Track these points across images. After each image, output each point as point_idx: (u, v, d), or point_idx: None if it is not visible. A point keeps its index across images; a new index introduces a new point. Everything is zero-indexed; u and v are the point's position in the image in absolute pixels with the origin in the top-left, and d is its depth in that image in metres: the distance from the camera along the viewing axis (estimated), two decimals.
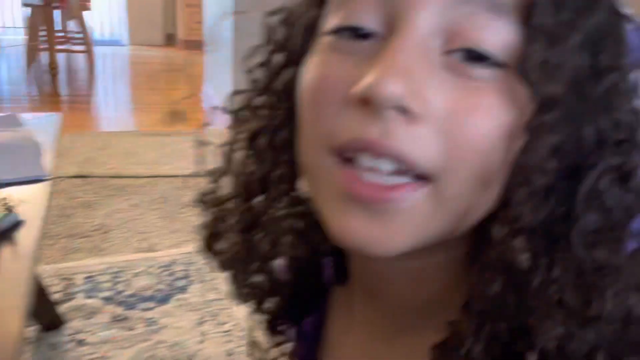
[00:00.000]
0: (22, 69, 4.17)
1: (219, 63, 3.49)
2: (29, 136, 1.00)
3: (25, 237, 0.74)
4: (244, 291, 0.42)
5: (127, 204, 2.18)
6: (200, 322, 1.43)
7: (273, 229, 0.38)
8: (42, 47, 4.15)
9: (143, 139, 3.00)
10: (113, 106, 3.98)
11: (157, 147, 2.88)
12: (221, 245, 0.40)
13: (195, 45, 5.72)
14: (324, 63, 0.31)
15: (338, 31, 0.31)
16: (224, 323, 1.43)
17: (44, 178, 0.89)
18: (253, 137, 0.37)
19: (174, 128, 3.29)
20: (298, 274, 0.42)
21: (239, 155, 0.39)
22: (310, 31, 0.34)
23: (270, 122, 0.37)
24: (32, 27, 3.84)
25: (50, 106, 3.42)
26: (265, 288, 0.41)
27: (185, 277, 1.63)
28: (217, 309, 1.49)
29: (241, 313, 1.46)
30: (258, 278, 0.40)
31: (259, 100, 0.38)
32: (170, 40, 6.09)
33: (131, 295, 1.52)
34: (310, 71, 0.32)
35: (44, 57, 4.11)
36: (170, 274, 1.64)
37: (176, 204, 2.19)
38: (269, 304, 0.43)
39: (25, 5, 3.91)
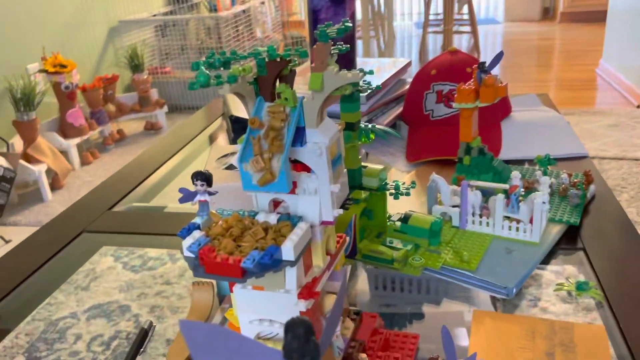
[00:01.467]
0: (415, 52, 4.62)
1: (625, 36, 3.18)
2: (555, 115, 1.08)
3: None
4: None
5: None
6: None
7: None
8: (433, 30, 4.52)
9: None
10: None
11: None
12: None
13: (576, 17, 5.39)
14: None
15: None
16: None
17: (585, 155, 0.94)
18: None
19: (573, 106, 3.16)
20: None
21: None
22: None
23: None
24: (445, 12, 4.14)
25: None
26: None
27: None
28: None
29: None
30: None
31: None
32: (546, 14, 5.86)
33: None
34: None
35: (432, 39, 4.47)
36: None
37: None
38: None
39: None
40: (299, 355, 0.26)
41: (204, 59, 0.40)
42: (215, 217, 0.42)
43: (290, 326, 0.26)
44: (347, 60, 1.19)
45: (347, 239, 0.50)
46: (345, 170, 0.47)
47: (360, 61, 1.34)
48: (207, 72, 0.38)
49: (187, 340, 0.25)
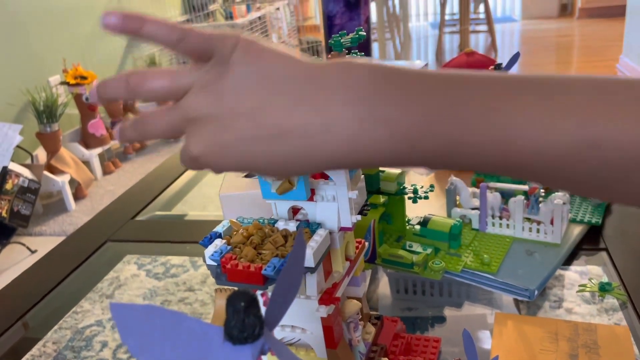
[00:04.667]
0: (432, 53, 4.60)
1: None
2: None
3: None
4: None
5: None
6: None
7: None
8: (450, 30, 4.50)
9: None
10: None
11: None
12: None
13: (595, 12, 5.32)
14: None
15: None
16: None
17: None
18: None
19: None
20: None
21: None
22: None
23: None
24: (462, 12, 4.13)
25: None
26: None
27: None
28: None
29: None
30: None
31: None
32: (564, 10, 5.79)
33: None
34: None
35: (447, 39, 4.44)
36: None
37: None
38: None
39: None
40: (238, 330, 0.23)
41: None
42: (236, 225, 0.42)
43: (231, 300, 0.23)
44: None
45: (366, 244, 0.51)
46: (362, 175, 0.47)
47: None
48: None
49: (118, 324, 0.24)
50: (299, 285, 0.26)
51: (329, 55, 0.41)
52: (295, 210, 0.46)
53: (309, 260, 0.38)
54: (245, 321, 0.23)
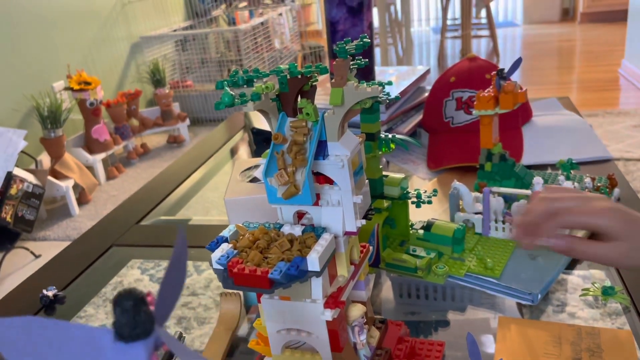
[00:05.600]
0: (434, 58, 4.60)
1: None
2: (577, 118, 1.07)
3: None
4: None
5: None
6: None
7: None
8: (451, 35, 4.51)
9: None
10: None
11: None
12: None
13: (597, 17, 5.33)
14: None
15: None
16: None
17: (609, 158, 0.93)
18: None
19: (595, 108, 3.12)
20: None
21: None
22: None
23: None
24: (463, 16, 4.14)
25: None
26: None
27: None
28: None
29: None
30: None
31: None
32: (566, 15, 5.80)
33: None
34: None
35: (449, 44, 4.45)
36: None
37: None
38: None
39: None
40: (130, 328, 0.23)
41: (226, 75, 0.42)
42: (242, 230, 0.43)
43: (118, 300, 0.23)
44: (365, 70, 1.21)
45: (371, 248, 0.51)
46: (367, 180, 0.48)
47: (379, 70, 1.35)
48: (231, 92, 0.39)
49: None
50: (184, 280, 0.26)
51: (333, 62, 0.42)
52: (300, 215, 0.46)
53: (314, 265, 0.39)
54: (135, 318, 0.24)
